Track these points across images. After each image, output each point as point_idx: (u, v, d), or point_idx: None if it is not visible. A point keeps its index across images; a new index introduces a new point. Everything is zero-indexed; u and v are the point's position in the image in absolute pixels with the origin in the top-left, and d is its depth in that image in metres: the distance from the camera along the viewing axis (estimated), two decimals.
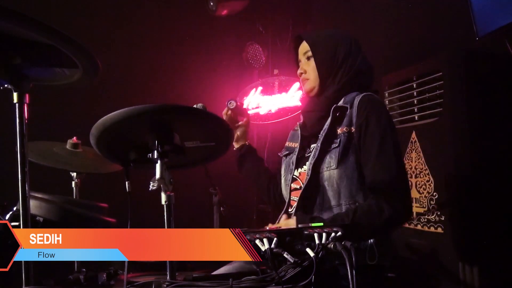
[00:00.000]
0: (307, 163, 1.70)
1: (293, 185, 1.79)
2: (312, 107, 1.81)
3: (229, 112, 1.96)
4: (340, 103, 1.71)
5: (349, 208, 1.60)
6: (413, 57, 2.53)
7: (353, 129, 1.65)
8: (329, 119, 1.69)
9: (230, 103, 1.93)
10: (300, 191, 1.71)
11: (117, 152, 1.36)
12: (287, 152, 1.89)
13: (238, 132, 2.00)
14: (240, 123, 2.01)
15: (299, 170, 1.78)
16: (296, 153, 1.81)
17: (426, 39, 2.60)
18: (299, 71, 1.85)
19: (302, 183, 1.72)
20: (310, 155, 1.72)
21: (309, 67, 1.80)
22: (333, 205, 1.64)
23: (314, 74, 1.78)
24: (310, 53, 1.79)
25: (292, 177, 1.79)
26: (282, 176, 1.87)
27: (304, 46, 1.82)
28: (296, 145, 1.84)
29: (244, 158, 2.02)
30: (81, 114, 2.60)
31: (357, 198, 1.62)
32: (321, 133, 1.70)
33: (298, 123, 1.91)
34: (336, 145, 1.65)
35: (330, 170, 1.64)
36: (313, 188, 1.67)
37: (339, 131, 1.67)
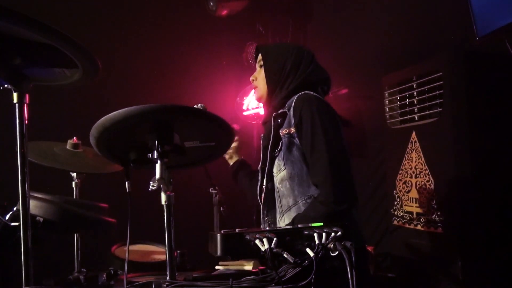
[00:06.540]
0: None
1: (263, 195, 1.84)
2: (266, 117, 1.89)
3: None
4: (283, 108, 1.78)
5: (305, 204, 1.65)
6: (413, 57, 2.53)
7: (292, 129, 1.71)
8: (272, 127, 1.77)
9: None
10: None
11: (117, 152, 1.36)
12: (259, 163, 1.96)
13: (230, 151, 2.10)
14: (232, 144, 2.04)
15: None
16: (260, 164, 1.88)
17: (426, 39, 2.60)
18: (251, 78, 1.95)
19: None
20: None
21: (259, 76, 1.91)
22: (291, 205, 1.71)
23: (263, 83, 1.88)
24: (262, 62, 1.89)
25: (261, 187, 1.86)
26: None
27: (260, 56, 1.92)
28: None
29: (237, 173, 2.13)
30: (81, 114, 2.59)
31: (310, 192, 1.67)
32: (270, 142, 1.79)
33: (261, 135, 1.95)
34: (280, 147, 1.74)
35: (280, 173, 1.73)
36: (272, 194, 1.77)
37: (281, 134, 1.75)
